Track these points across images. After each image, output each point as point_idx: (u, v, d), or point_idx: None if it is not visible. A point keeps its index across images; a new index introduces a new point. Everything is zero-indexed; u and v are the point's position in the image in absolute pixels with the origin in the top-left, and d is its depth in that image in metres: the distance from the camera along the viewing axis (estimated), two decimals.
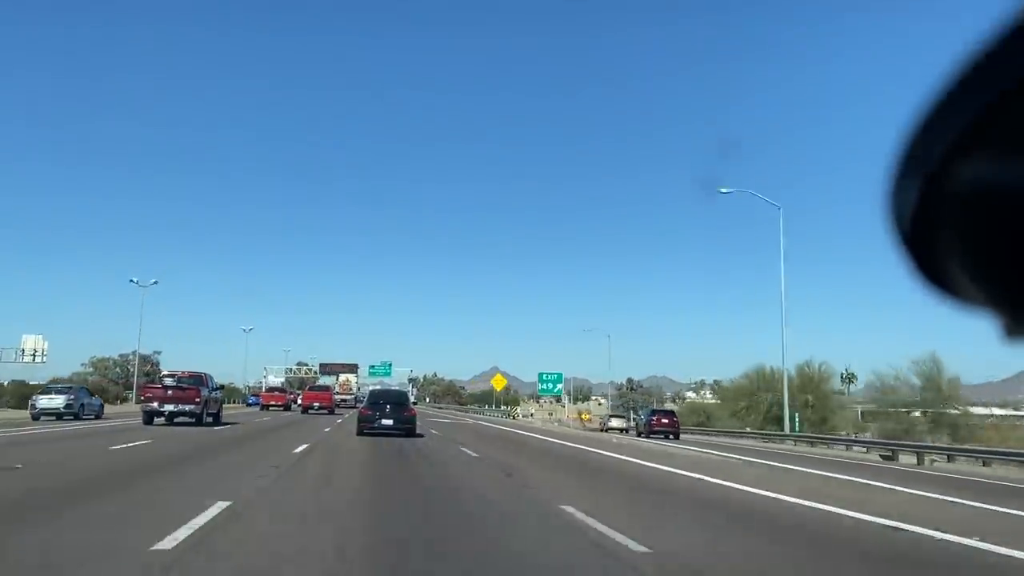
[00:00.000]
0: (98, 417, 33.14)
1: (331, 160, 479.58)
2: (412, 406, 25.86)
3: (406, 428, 22.69)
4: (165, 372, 29.09)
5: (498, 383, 69.81)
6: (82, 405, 32.70)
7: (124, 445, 16.78)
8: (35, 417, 31.14)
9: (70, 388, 35.48)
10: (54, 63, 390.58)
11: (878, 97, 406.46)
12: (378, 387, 41.79)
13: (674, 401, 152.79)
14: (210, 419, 28.13)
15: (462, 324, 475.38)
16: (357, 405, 45.78)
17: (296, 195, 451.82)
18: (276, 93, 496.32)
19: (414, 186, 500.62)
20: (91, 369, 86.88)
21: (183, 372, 29.11)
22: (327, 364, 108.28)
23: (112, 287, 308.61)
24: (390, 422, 22.56)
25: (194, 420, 26.75)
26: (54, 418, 30.84)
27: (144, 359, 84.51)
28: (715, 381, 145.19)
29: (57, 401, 32.07)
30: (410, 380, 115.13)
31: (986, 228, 0.69)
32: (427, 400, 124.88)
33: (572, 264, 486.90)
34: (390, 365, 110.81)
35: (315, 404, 49.76)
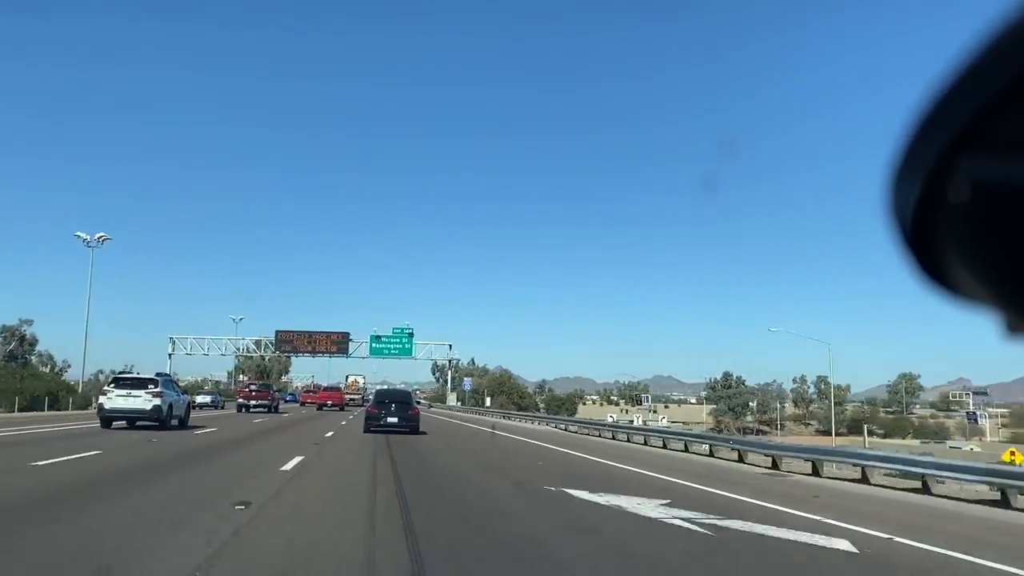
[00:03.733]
0: (222, 408, 56.31)
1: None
2: (416, 405, 28.77)
3: (410, 426, 25.36)
4: (248, 380, 52.16)
5: None
6: (218, 400, 57.69)
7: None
8: (193, 407, 54.77)
9: (210, 391, 60.17)
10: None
11: (878, 96, 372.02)
12: (383, 387, 45.91)
13: (796, 404, 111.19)
14: (274, 410, 50.17)
15: (467, 321, 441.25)
16: (364, 404, 49.48)
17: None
18: (289, 85, 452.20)
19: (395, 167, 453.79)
20: None
21: (259, 380, 51.67)
22: (286, 332, 76.35)
23: None
24: (395, 420, 25.10)
25: (266, 410, 49.05)
26: (199, 408, 53.23)
27: (9, 331, 62.95)
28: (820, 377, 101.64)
29: (207, 398, 56.79)
30: (449, 364, 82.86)
31: (987, 225, 0.70)
32: (487, 401, 78.31)
33: (574, 265, 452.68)
34: (410, 335, 74.20)
35: (328, 402, 59.59)
